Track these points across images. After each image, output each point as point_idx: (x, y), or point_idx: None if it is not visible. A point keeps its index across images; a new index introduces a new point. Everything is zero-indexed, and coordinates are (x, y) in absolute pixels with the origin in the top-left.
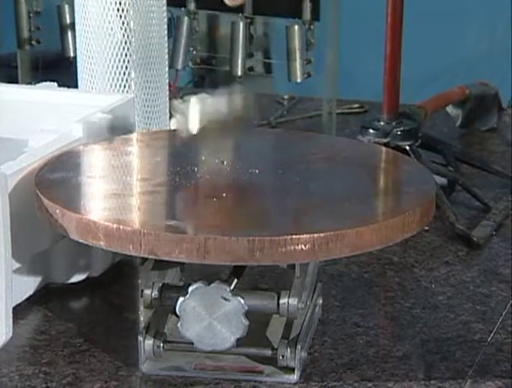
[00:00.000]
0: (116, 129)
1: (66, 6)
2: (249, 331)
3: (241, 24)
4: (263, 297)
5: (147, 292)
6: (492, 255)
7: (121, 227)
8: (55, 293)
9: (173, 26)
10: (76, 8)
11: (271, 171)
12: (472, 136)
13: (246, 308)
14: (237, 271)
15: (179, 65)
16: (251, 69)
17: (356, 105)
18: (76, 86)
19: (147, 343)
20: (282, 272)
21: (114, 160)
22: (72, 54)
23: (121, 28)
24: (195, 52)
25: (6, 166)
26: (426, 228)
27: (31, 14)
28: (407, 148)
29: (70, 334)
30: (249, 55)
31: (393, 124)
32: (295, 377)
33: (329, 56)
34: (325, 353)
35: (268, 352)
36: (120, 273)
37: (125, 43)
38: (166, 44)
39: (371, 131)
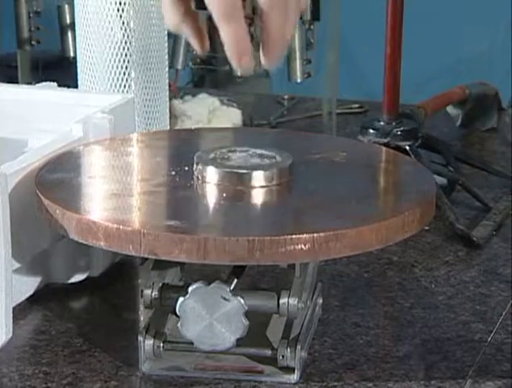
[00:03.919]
0: (116, 129)
1: (66, 6)
2: (249, 331)
3: None
4: (263, 297)
5: (147, 292)
6: (492, 255)
7: (121, 227)
8: (55, 293)
9: None
10: (76, 8)
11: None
12: (472, 136)
13: (246, 308)
14: (237, 271)
15: (179, 65)
16: None
17: (356, 105)
18: (76, 86)
19: (147, 343)
20: (282, 272)
21: (114, 160)
22: (72, 54)
23: (121, 28)
24: (195, 52)
25: (6, 166)
26: (426, 228)
27: (31, 14)
28: (407, 148)
29: (70, 334)
30: None
31: (393, 124)
32: (295, 377)
33: (329, 56)
34: (325, 353)
35: (268, 352)
36: (120, 273)
37: (125, 43)
38: (166, 44)
39: (371, 131)
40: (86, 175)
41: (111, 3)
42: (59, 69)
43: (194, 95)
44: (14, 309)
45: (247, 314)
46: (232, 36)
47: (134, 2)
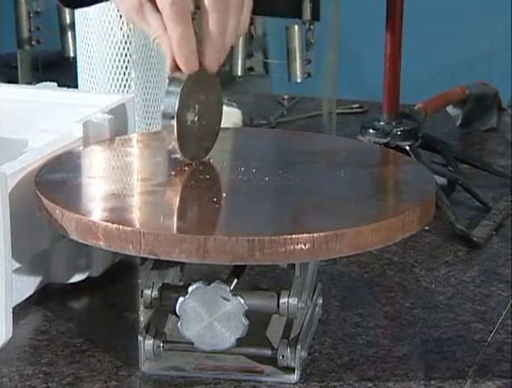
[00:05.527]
0: (116, 129)
1: None
2: (249, 331)
3: None
4: (263, 297)
5: (147, 292)
6: (492, 255)
7: (121, 227)
8: (55, 293)
9: None
10: None
11: (271, 171)
12: (472, 136)
13: (246, 308)
14: (237, 271)
15: None
16: (251, 69)
17: (356, 105)
18: (76, 86)
19: (147, 343)
20: (282, 272)
21: (114, 160)
22: (72, 54)
23: (121, 28)
24: None
25: (6, 166)
26: (426, 228)
27: (31, 14)
28: (407, 148)
29: (70, 334)
30: (249, 55)
31: (393, 124)
32: (295, 377)
33: (329, 56)
34: (325, 353)
35: (268, 352)
36: (120, 273)
37: (125, 43)
38: None
39: (371, 131)
40: (86, 176)
41: (111, 3)
42: (59, 69)
43: None
44: (14, 309)
45: (247, 314)
46: (180, 36)
47: None
